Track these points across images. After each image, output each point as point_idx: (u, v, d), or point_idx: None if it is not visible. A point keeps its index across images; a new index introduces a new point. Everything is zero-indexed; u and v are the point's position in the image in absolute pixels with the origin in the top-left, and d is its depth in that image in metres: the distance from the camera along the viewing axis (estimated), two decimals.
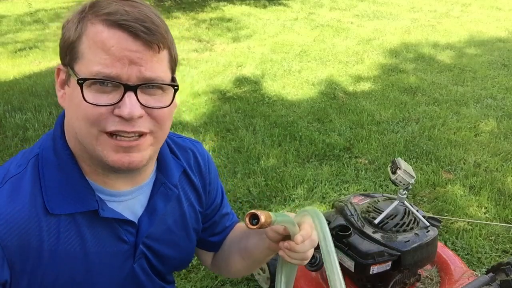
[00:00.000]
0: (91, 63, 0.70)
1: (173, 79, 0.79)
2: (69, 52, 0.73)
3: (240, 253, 1.00)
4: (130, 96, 0.71)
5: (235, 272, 1.07)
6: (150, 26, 0.71)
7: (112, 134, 0.73)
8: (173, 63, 0.79)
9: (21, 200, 0.75)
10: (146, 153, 0.77)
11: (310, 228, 0.82)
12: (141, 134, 0.75)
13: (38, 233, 0.76)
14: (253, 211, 0.74)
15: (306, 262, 0.85)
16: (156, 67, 0.73)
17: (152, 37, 0.71)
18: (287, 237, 0.83)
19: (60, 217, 0.78)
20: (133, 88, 0.71)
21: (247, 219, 0.74)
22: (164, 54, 0.75)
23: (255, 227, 0.73)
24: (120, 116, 0.71)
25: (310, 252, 0.83)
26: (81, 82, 0.70)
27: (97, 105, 0.70)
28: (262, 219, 0.73)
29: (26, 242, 0.75)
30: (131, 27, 0.69)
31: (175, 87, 0.77)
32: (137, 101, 0.72)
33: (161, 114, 0.76)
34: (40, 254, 0.76)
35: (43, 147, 0.81)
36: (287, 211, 2.73)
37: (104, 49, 0.69)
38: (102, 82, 0.70)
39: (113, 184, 0.82)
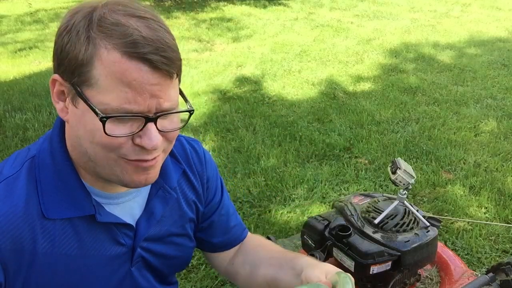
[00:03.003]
0: (110, 94, 0.67)
1: (180, 91, 0.78)
2: (77, 73, 0.68)
3: (267, 281, 0.96)
4: (151, 128, 0.70)
5: (252, 286, 1.02)
6: (170, 55, 0.68)
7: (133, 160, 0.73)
8: (180, 76, 0.78)
9: (14, 202, 0.74)
10: (158, 168, 0.78)
11: None
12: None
13: (32, 236, 0.75)
14: None
15: None
16: (172, 94, 0.72)
17: (171, 67, 0.69)
18: None
19: (56, 221, 0.77)
20: (154, 120, 0.70)
21: None
22: (177, 78, 0.74)
23: None
24: (140, 146, 0.71)
25: None
26: (104, 120, 0.67)
27: (116, 136, 0.69)
28: None
29: (19, 245, 0.74)
30: (153, 60, 0.67)
31: (191, 112, 0.77)
32: (156, 131, 0.71)
33: (174, 135, 0.77)
34: (34, 257, 0.75)
35: (40, 150, 0.80)
36: (288, 212, 2.74)
37: (123, 82, 0.66)
38: (127, 117, 0.69)
39: (109, 188, 0.82)
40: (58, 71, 0.72)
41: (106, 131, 0.68)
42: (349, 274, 0.74)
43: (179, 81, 0.77)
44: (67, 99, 0.72)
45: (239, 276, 1.04)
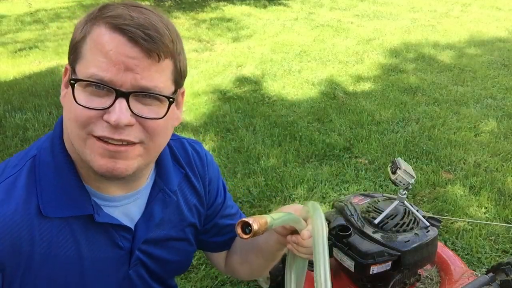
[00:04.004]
0: (89, 64, 0.69)
1: (176, 92, 0.76)
2: (73, 52, 0.73)
3: (252, 251, 0.98)
4: (120, 103, 0.69)
5: (251, 273, 1.05)
6: (152, 33, 0.69)
7: (100, 138, 0.71)
8: (178, 75, 0.76)
9: (14, 202, 0.74)
10: (133, 162, 0.74)
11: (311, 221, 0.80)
12: (129, 143, 0.72)
13: (30, 236, 0.74)
14: (244, 219, 0.67)
15: None
16: (154, 76, 0.71)
17: (152, 45, 0.69)
18: (296, 230, 0.81)
19: (54, 221, 0.76)
20: (125, 95, 0.69)
21: (238, 229, 0.67)
22: (166, 64, 0.72)
23: (247, 236, 0.66)
24: (107, 121, 0.69)
25: None
26: (72, 82, 0.70)
27: (87, 107, 0.69)
28: (255, 226, 0.66)
29: (17, 245, 0.73)
30: (131, 32, 0.68)
31: (170, 99, 0.74)
32: (127, 108, 0.69)
33: (154, 126, 0.73)
34: (31, 258, 0.75)
35: (41, 149, 0.80)
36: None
37: (102, 52, 0.68)
38: (97, 85, 0.69)
39: (106, 189, 0.81)
40: (68, 58, 0.76)
41: (76, 98, 0.69)
42: (315, 202, 0.80)
43: (178, 77, 0.76)
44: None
45: (241, 272, 1.06)
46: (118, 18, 0.69)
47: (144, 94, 0.71)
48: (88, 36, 0.71)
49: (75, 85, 0.70)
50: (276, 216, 0.74)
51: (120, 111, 0.69)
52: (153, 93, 0.71)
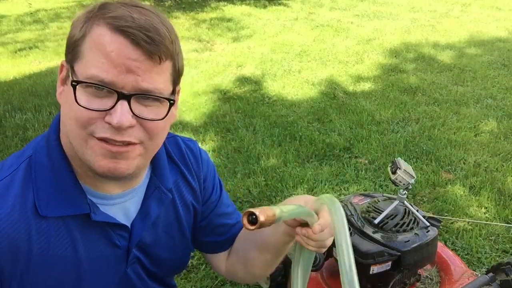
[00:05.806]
0: (89, 64, 0.69)
1: (174, 91, 0.78)
2: (71, 50, 0.73)
3: (256, 247, 0.95)
4: (122, 105, 0.70)
5: (254, 273, 1.01)
6: (154, 36, 0.69)
7: (101, 139, 0.71)
8: (176, 75, 0.77)
9: (10, 202, 0.74)
10: (133, 162, 0.75)
11: (329, 216, 0.76)
12: (130, 143, 0.73)
13: (27, 236, 0.74)
14: (250, 209, 0.65)
15: (324, 249, 0.79)
16: (155, 78, 0.71)
17: (153, 47, 0.69)
18: (306, 223, 0.78)
19: (51, 220, 0.76)
20: (127, 97, 0.70)
21: (245, 219, 0.65)
22: (166, 65, 0.73)
23: (253, 227, 0.64)
24: (109, 123, 0.70)
25: (330, 240, 0.78)
26: (74, 84, 0.69)
27: (88, 108, 0.70)
28: (261, 218, 0.64)
29: (15, 245, 0.73)
30: (133, 34, 0.68)
31: (171, 101, 0.75)
32: (129, 110, 0.70)
33: (154, 126, 0.74)
34: (29, 258, 0.75)
35: (36, 149, 0.80)
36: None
37: (103, 53, 0.69)
38: (98, 86, 0.69)
39: (103, 187, 0.81)
40: (64, 56, 0.75)
41: (77, 99, 0.69)
42: (333, 196, 0.75)
43: (176, 77, 0.77)
44: (65, 83, 0.75)
45: (241, 274, 1.03)
46: (120, 19, 0.69)
47: (145, 96, 0.72)
48: (88, 36, 0.70)
49: (77, 86, 0.70)
50: (286, 209, 0.71)
51: (122, 113, 0.69)
52: (153, 95, 0.72)
